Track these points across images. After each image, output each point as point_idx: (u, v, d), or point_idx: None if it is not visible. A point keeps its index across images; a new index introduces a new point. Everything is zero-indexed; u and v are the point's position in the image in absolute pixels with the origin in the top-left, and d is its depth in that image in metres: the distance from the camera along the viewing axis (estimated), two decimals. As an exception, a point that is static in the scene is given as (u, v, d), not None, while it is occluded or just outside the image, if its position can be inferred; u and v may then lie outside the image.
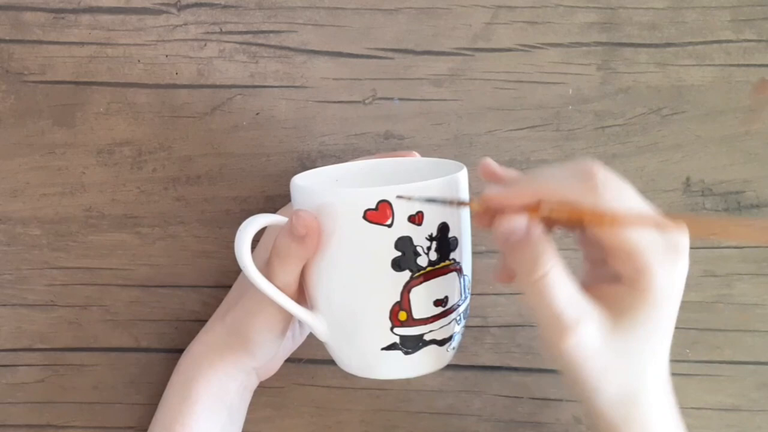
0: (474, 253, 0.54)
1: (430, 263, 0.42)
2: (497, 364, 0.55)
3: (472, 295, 0.55)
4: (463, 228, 0.44)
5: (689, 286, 0.54)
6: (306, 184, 0.44)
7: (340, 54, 0.55)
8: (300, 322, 0.48)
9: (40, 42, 0.55)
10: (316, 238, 0.42)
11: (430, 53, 0.55)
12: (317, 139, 0.55)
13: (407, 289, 0.42)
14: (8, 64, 0.55)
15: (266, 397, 0.55)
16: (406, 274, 0.41)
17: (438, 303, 0.43)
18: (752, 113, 0.55)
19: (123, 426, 0.56)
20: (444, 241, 0.42)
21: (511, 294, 0.55)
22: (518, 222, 0.36)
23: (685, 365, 0.55)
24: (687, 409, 0.55)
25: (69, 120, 0.55)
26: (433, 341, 0.43)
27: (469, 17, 0.55)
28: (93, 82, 0.55)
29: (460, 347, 0.55)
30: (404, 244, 0.41)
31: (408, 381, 0.55)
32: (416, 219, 0.41)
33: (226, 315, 0.49)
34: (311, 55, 0.55)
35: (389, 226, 0.41)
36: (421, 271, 0.42)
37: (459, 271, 0.43)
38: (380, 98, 0.55)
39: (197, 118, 0.55)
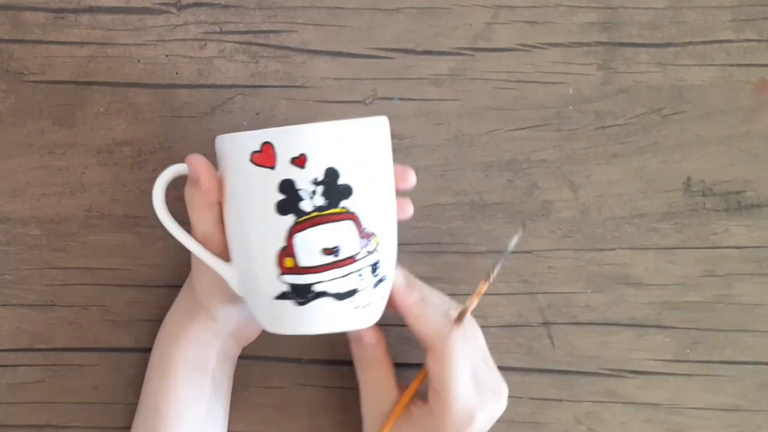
0: (472, 254, 0.55)
1: (316, 208, 0.41)
2: (497, 364, 0.55)
3: (468, 295, 0.55)
4: (365, 177, 0.42)
5: (690, 286, 0.55)
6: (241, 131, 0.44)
7: (340, 54, 0.55)
8: None
9: (40, 42, 0.55)
10: (210, 180, 0.44)
11: (430, 53, 0.55)
12: (317, 139, 0.55)
13: (292, 233, 0.42)
14: (8, 63, 0.54)
15: (266, 397, 0.55)
16: (291, 218, 0.41)
17: (328, 252, 0.42)
18: (753, 113, 0.55)
19: (123, 426, 0.55)
20: (332, 186, 0.41)
21: (510, 294, 0.55)
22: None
23: (686, 365, 0.55)
24: (687, 409, 0.55)
25: (69, 120, 0.55)
26: (325, 293, 0.43)
27: (469, 17, 0.55)
28: (93, 81, 0.55)
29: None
30: (287, 186, 0.41)
31: (408, 381, 0.55)
32: (299, 161, 0.41)
33: (186, 284, 0.50)
34: (311, 54, 0.55)
35: (272, 168, 0.41)
36: (305, 216, 0.41)
37: (355, 220, 0.42)
38: (381, 98, 0.55)
39: (197, 118, 0.55)
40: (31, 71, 0.55)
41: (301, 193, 0.41)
